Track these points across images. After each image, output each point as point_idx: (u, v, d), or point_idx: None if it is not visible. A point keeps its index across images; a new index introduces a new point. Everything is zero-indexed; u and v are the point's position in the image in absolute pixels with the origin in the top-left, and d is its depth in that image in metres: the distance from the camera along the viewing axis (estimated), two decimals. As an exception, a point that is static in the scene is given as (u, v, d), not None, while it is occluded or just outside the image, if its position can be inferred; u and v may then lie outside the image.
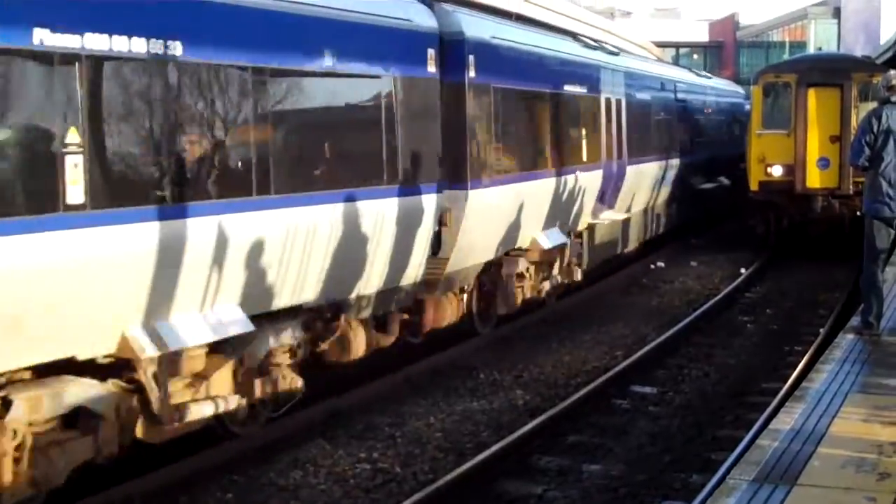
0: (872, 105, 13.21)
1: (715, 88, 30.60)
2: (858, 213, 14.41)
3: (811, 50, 52.84)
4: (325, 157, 10.06)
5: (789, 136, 21.11)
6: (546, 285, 15.39)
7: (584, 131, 16.56)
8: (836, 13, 57.98)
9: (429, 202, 11.50)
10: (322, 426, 10.26)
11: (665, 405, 11.44)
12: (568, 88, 15.90)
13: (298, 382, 9.73)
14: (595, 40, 19.10)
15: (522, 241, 14.29)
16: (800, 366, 12.01)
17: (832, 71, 21.50)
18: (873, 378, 8.57)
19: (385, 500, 8.50)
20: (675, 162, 23.30)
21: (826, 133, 20.88)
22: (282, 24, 9.17)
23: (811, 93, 20.99)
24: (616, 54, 19.48)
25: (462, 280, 12.84)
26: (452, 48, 12.09)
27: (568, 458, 9.53)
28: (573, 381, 12.32)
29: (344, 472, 9.11)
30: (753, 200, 22.30)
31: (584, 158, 16.44)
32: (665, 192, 22.87)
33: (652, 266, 21.82)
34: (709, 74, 32.41)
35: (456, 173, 12.16)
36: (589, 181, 16.51)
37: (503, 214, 13.32)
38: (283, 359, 9.63)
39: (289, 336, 9.59)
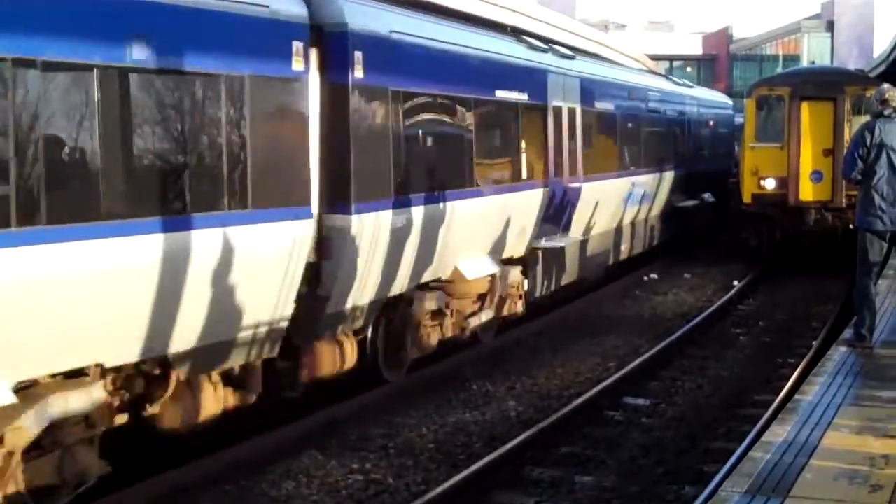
0: (865, 118, 13.26)
1: (697, 98, 28.18)
2: (851, 226, 14.46)
3: (805, 63, 53.04)
4: (129, 176, 7.86)
5: (783, 149, 21.20)
6: (474, 321, 13.35)
7: (523, 144, 14.49)
8: (830, 27, 58.27)
9: (296, 230, 9.36)
10: (315, 437, 10.25)
11: (658, 417, 11.44)
12: (502, 94, 13.83)
13: (93, 462, 7.77)
14: (546, 41, 16.87)
15: (440, 272, 12.39)
16: (792, 378, 12.01)
17: (825, 84, 21.59)
18: (866, 390, 8.58)
19: (377, 510, 8.49)
20: (648, 178, 21.27)
21: (819, 146, 20.96)
22: (60, 4, 7.18)
23: (804, 106, 21.08)
24: (571, 58, 17.26)
25: (354, 321, 10.80)
26: (333, 43, 10.08)
27: (560, 469, 9.52)
28: (566, 393, 12.32)
29: (336, 483, 9.09)
30: (746, 213, 22.36)
31: (524, 175, 14.52)
32: (635, 211, 20.87)
33: (645, 278, 21.85)
34: (690, 83, 30.07)
35: (337, 194, 10.06)
36: (529, 201, 14.59)
37: (408, 242, 11.27)
38: (73, 433, 7.59)
39: (82, 404, 7.53)
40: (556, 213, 15.89)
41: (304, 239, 9.53)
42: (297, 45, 9.50)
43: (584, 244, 17.68)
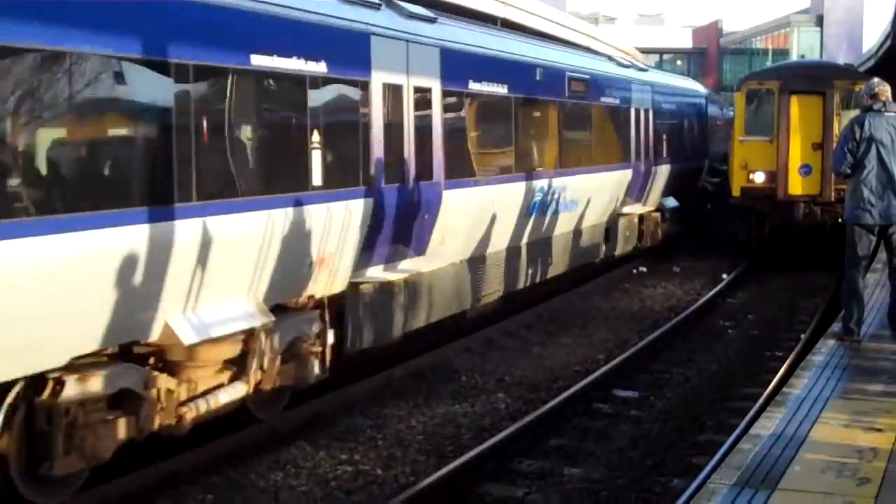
0: (854, 113, 13.29)
1: (652, 84, 23.28)
2: (840, 220, 14.50)
3: (794, 57, 53.21)
4: None
5: (772, 143, 21.23)
6: (204, 405, 8.81)
7: (315, 135, 9.94)
8: (819, 21, 58.48)
9: None
10: (303, 428, 10.24)
11: (646, 409, 11.46)
12: (264, 62, 9.22)
13: None
14: None
15: (133, 333, 8.04)
16: (781, 371, 12.04)
17: (815, 78, 21.63)
18: (854, 384, 8.61)
19: (366, 502, 8.49)
20: (570, 181, 16.84)
21: (808, 140, 21.00)
22: None
23: (794, 100, 21.11)
24: (428, 20, 12.71)
25: None
26: None
27: (549, 461, 9.53)
28: (555, 385, 12.33)
29: (325, 474, 9.09)
30: (735, 206, 22.43)
31: (316, 179, 9.94)
32: (550, 223, 16.46)
33: (634, 271, 21.88)
34: (644, 66, 25.22)
35: None
36: (333, 215, 10.15)
37: (35, 290, 6.98)
38: None
39: None
40: (399, 232, 11.56)
41: None
42: None
43: (454, 270, 13.36)
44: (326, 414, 10.70)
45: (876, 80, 10.34)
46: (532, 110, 15.92)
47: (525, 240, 15.57)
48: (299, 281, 10.02)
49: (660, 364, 13.63)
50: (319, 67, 10.04)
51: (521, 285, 15.80)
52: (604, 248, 19.76)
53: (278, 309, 9.71)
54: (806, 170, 21.06)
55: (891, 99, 10.03)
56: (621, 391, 12.12)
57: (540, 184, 15.63)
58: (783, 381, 10.03)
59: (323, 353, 10.48)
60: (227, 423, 9.69)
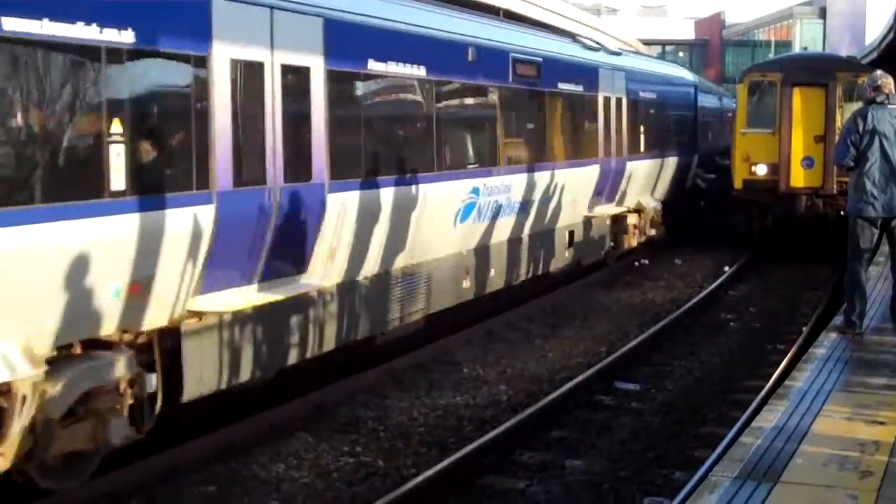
0: (857, 105, 13.28)
1: (627, 70, 20.50)
2: (842, 213, 14.49)
3: (796, 49, 53.20)
4: None
5: (774, 136, 21.22)
6: None
7: (115, 127, 7.68)
8: (822, 13, 58.48)
9: None
10: (305, 420, 10.25)
11: (648, 402, 11.46)
12: (39, 29, 7.05)
13: None
14: None
15: None
16: (782, 364, 12.04)
17: (817, 71, 21.61)
18: (856, 377, 8.60)
19: (368, 493, 8.49)
20: (514, 180, 14.62)
21: (811, 133, 21.00)
22: None
23: (796, 92, 21.09)
24: None
25: None
26: None
27: (551, 453, 9.53)
28: (557, 377, 12.33)
29: (327, 466, 9.10)
30: (737, 199, 22.42)
31: (120, 184, 7.70)
32: (492, 230, 14.30)
33: (636, 263, 21.86)
34: (618, 49, 22.58)
35: None
36: (147, 229, 7.97)
37: None
38: None
39: None
40: (262, 246, 9.26)
41: None
42: None
43: (350, 290, 11.05)
44: (328, 405, 10.70)
45: (879, 72, 10.31)
46: (461, 97, 13.55)
47: (452, 250, 13.29)
48: (99, 314, 7.69)
49: (661, 357, 13.63)
50: (124, 37, 7.69)
51: (452, 302, 13.53)
52: (567, 254, 17.47)
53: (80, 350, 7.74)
54: (808, 162, 21.05)
55: (894, 91, 10.00)
56: (623, 383, 12.12)
57: (472, 184, 13.39)
58: (785, 374, 10.02)
59: (140, 404, 8.14)
60: (227, 416, 9.72)
